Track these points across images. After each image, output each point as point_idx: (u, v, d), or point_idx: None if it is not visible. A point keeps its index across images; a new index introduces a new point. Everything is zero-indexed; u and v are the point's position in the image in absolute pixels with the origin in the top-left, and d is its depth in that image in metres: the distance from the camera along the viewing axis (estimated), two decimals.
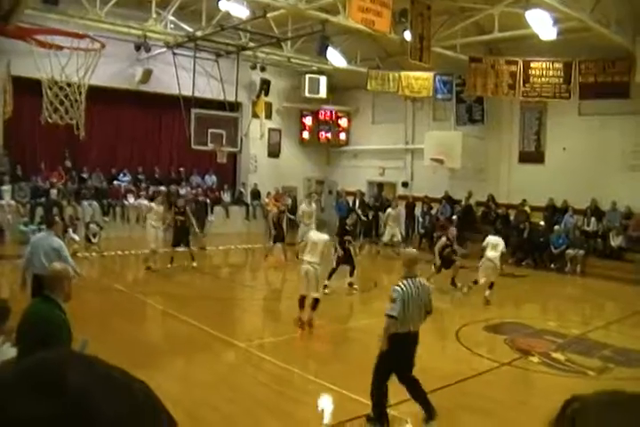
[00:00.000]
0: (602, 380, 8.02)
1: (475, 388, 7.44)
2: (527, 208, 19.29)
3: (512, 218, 19.60)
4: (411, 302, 6.04)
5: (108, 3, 15.82)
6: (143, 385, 0.73)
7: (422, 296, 6.17)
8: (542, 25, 14.98)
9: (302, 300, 10.01)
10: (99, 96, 17.95)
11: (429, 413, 6.14)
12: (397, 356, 6.17)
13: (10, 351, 5.03)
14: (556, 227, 17.94)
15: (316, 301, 9.82)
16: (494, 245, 13.16)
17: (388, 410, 6.23)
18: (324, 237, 10.01)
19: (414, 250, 7.10)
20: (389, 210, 19.02)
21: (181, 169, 23.03)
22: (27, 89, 15.57)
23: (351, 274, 13.37)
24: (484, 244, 13.38)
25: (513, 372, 8.22)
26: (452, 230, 14.41)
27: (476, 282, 13.18)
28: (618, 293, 14.87)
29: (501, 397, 7.22)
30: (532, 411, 6.88)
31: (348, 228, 13.18)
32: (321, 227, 11.38)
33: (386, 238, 18.91)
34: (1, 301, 5.99)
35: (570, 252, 17.50)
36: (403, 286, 6.07)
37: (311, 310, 9.85)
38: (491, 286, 12.84)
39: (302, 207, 18.54)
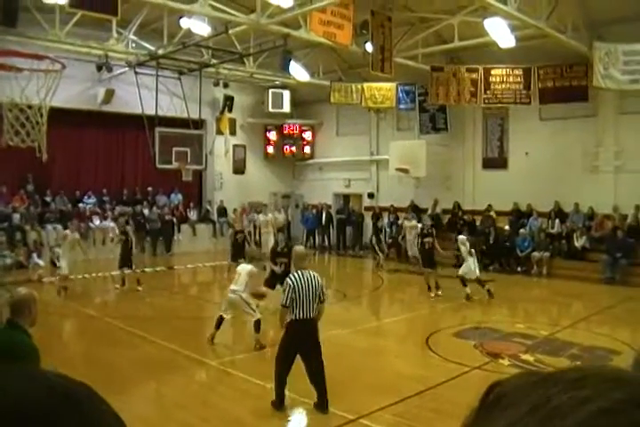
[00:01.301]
0: None
1: (447, 393, 7.43)
2: (493, 213, 19.51)
3: (478, 224, 19.77)
4: (303, 292, 6.69)
5: (68, 23, 15.68)
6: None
7: (315, 286, 6.80)
8: (500, 33, 15.24)
9: (219, 320, 10.07)
10: (61, 118, 17.76)
11: (323, 403, 6.81)
12: (297, 341, 6.81)
13: None
14: (522, 230, 18.17)
15: (257, 322, 9.83)
16: (464, 242, 14.37)
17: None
18: (248, 267, 10.36)
19: (303, 247, 8.28)
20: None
21: (149, 189, 22.85)
22: None
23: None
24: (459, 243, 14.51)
25: (484, 375, 8.21)
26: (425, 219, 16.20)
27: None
28: (583, 292, 15.08)
29: (474, 399, 7.19)
30: None
31: (280, 250, 12.92)
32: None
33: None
34: None
35: (535, 254, 17.74)
36: (294, 277, 6.78)
37: (255, 333, 9.82)
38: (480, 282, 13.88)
39: (260, 217, 19.49)
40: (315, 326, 6.94)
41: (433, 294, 14.16)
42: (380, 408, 6.81)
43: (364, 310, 14.06)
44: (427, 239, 14.59)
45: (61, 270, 13.92)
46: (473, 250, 14.23)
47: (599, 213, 17.64)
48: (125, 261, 14.71)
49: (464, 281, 13.81)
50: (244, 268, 10.33)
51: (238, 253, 15.53)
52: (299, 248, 7.89)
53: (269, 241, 18.13)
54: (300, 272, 6.90)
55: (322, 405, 6.85)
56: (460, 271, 13.92)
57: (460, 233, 15.89)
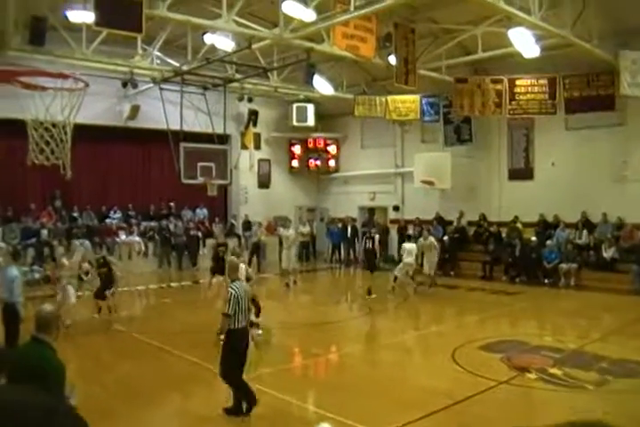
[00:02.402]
0: (600, 393, 7.93)
1: (473, 408, 7.32)
2: (519, 225, 19.33)
3: (504, 235, 19.58)
4: (242, 301, 7.07)
5: (94, 41, 15.89)
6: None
7: (248, 295, 7.33)
8: (525, 43, 15.15)
9: None
10: (88, 134, 17.99)
11: (237, 408, 7.08)
12: (239, 348, 7.09)
13: None
14: (548, 242, 17.95)
15: None
16: (410, 252, 15.97)
17: None
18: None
19: (236, 258, 8.62)
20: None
21: (171, 204, 22.99)
22: (14, 130, 15.54)
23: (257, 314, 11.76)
24: (402, 251, 16.36)
25: (511, 390, 8.08)
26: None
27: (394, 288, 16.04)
28: (613, 304, 14.82)
29: (501, 416, 7.09)
30: None
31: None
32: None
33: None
34: None
35: (563, 266, 17.49)
36: (235, 288, 7.10)
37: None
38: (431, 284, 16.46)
39: (282, 232, 18.86)
40: (248, 333, 7.39)
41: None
42: (405, 423, 6.72)
43: (389, 323, 13.93)
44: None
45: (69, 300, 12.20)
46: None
47: (628, 223, 17.36)
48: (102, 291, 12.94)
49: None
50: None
51: (218, 267, 15.05)
52: (232, 259, 8.42)
53: (289, 257, 17.95)
54: (237, 283, 7.25)
55: (236, 409, 7.13)
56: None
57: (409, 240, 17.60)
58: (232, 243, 18.95)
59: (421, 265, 16.80)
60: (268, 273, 20.64)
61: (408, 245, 16.38)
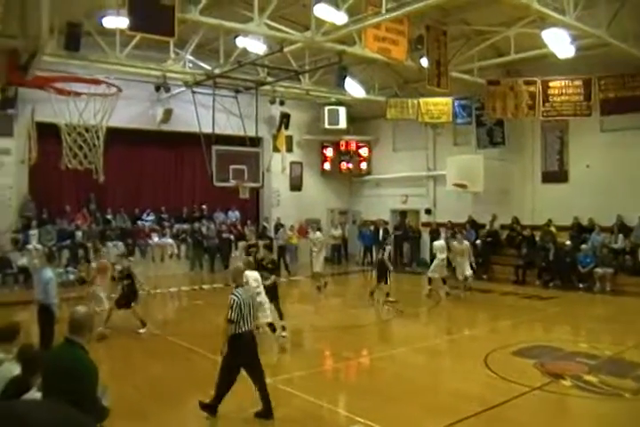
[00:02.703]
0: (637, 401, 7.77)
1: (507, 414, 7.23)
2: (553, 228, 19.07)
3: (538, 239, 19.33)
4: (245, 306, 7.20)
5: (128, 45, 16.08)
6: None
7: (252, 301, 7.46)
8: (559, 43, 14.95)
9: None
10: (121, 137, 18.27)
11: (267, 411, 7.15)
12: (241, 353, 7.17)
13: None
14: (583, 246, 17.68)
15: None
16: (442, 249, 16.58)
17: None
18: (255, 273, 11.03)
19: (241, 264, 9.08)
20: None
21: (204, 206, 23.15)
22: (50, 134, 15.79)
23: (280, 317, 11.85)
24: (434, 249, 16.96)
25: (545, 396, 7.95)
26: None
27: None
28: None
29: (534, 422, 7.00)
30: None
31: (265, 264, 12.42)
32: None
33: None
34: (12, 323, 6.13)
35: (598, 270, 17.19)
36: (237, 293, 7.28)
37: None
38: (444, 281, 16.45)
39: (311, 235, 18.94)
40: (254, 337, 7.41)
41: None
42: None
43: (421, 327, 13.87)
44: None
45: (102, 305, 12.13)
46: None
47: None
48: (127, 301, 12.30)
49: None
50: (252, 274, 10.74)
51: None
52: (237, 265, 8.61)
53: (317, 261, 17.94)
54: (241, 289, 7.47)
55: (266, 412, 7.18)
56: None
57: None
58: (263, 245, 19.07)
59: (454, 270, 16.73)
60: (299, 276, 20.67)
61: (438, 243, 17.10)
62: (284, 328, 11.59)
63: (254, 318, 7.57)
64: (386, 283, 15.66)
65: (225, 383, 7.21)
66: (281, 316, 11.78)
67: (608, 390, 8.08)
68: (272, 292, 11.67)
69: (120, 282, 12.44)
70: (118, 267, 12.60)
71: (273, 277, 11.92)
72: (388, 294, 15.65)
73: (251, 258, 11.92)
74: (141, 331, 12.03)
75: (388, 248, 16.93)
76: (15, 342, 5.67)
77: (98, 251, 13.39)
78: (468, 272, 16.52)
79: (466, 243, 16.90)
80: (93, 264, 12.66)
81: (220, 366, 7.27)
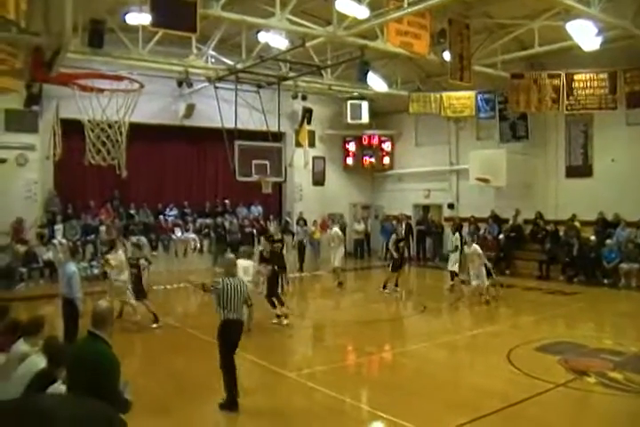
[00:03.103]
0: None
1: (530, 411, 7.19)
2: (577, 223, 18.87)
3: (561, 234, 19.16)
4: (230, 295, 7.42)
5: (150, 42, 16.17)
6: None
7: (241, 291, 7.55)
8: (584, 35, 14.77)
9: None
10: (144, 132, 18.40)
11: (230, 400, 7.32)
12: (227, 338, 7.49)
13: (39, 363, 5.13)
14: (608, 241, 17.48)
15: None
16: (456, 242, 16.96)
17: None
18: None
19: (233, 255, 9.03)
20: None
21: (227, 201, 23.24)
22: (74, 130, 15.94)
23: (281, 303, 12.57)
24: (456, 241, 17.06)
25: (569, 393, 7.89)
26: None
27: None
28: None
29: (558, 419, 6.95)
30: None
31: (264, 254, 13.13)
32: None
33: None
34: (37, 317, 6.37)
35: (623, 266, 16.99)
36: (223, 281, 7.52)
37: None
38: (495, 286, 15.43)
39: (328, 231, 18.91)
40: (240, 327, 7.66)
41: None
42: (459, 425, 6.65)
43: (443, 322, 13.83)
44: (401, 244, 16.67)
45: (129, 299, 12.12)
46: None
47: None
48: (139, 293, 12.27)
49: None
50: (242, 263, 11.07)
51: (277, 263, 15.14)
52: (229, 256, 8.77)
53: (336, 255, 17.72)
54: (229, 278, 7.61)
55: (230, 403, 7.37)
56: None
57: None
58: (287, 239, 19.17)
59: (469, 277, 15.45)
60: (321, 271, 20.69)
61: (454, 237, 17.56)
62: (279, 316, 12.32)
63: (242, 308, 7.70)
64: (393, 271, 16.23)
65: (227, 375, 7.46)
66: (282, 303, 12.56)
67: (634, 388, 7.99)
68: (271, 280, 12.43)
69: (132, 271, 12.28)
70: (142, 262, 12.61)
71: (258, 266, 12.47)
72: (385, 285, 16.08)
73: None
74: (154, 326, 11.98)
75: (393, 237, 16.99)
76: (40, 336, 5.78)
77: (115, 245, 13.19)
78: (475, 282, 14.74)
79: (475, 247, 14.88)
80: (110, 257, 12.52)
81: (220, 356, 7.55)
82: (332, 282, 17.80)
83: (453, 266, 16.79)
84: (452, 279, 16.83)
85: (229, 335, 7.50)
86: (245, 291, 7.70)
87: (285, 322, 12.28)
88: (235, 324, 7.53)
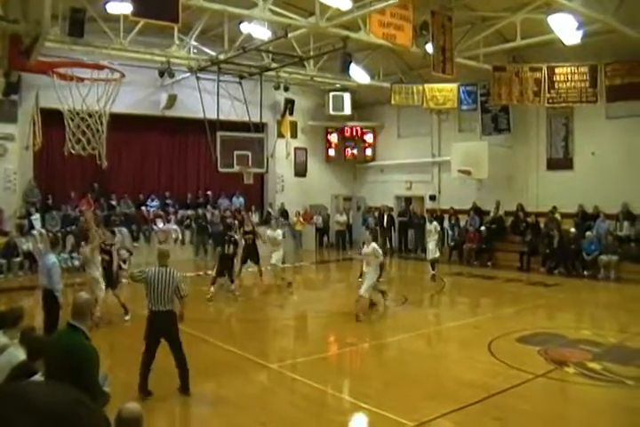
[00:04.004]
0: None
1: (510, 401, 7.25)
2: (557, 215, 19.02)
3: (542, 226, 19.32)
4: (157, 285, 7.33)
5: (132, 31, 16.04)
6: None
7: (168, 282, 7.39)
8: (566, 29, 14.82)
9: None
10: (125, 123, 18.25)
11: (184, 388, 7.46)
12: (154, 330, 7.41)
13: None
14: (588, 233, 17.63)
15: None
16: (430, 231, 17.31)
17: None
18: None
19: (165, 247, 9.11)
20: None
21: (209, 192, 23.17)
22: (54, 120, 15.79)
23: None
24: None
25: (548, 384, 7.98)
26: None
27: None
28: None
29: (537, 409, 7.01)
30: (568, 423, 6.70)
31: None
32: None
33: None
34: (15, 308, 6.32)
35: (603, 258, 17.17)
36: (151, 271, 7.48)
37: None
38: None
39: (267, 233, 16.18)
40: (169, 318, 7.46)
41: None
42: (440, 415, 6.70)
43: (425, 313, 13.90)
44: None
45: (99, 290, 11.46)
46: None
47: None
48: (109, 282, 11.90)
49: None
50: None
51: (248, 254, 15.60)
52: (161, 248, 9.00)
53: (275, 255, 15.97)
54: (157, 268, 7.51)
55: (183, 389, 7.47)
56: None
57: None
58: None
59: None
60: (305, 262, 20.71)
61: (427, 225, 17.80)
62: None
63: (170, 299, 7.46)
64: None
65: (142, 365, 7.42)
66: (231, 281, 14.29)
67: (611, 378, 8.09)
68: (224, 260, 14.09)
69: (102, 257, 11.70)
70: (123, 253, 12.43)
71: None
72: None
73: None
74: (126, 318, 11.63)
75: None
76: (19, 327, 5.73)
77: (90, 236, 12.59)
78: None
79: (373, 245, 12.39)
80: (86, 248, 11.92)
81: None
82: (316, 273, 17.76)
83: (434, 255, 16.85)
84: (433, 269, 16.91)
85: (152, 327, 7.43)
86: (176, 282, 7.47)
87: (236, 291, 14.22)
88: (160, 315, 7.38)
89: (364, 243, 13.06)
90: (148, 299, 7.42)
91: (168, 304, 7.40)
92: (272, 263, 15.49)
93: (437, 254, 17.20)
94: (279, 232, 16.19)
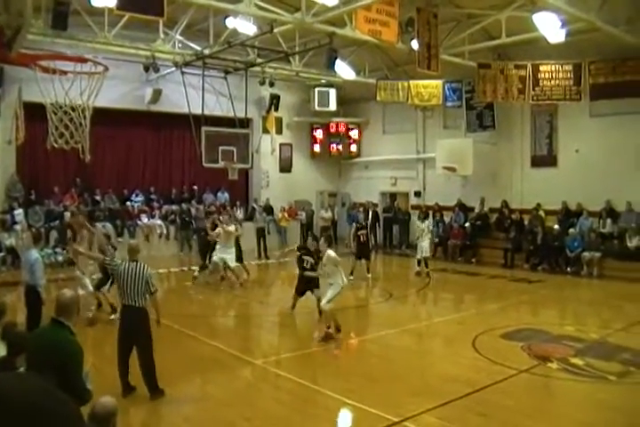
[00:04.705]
0: (623, 384, 7.87)
1: (493, 396, 7.29)
2: (541, 212, 19.14)
3: (526, 223, 19.43)
4: (125, 280, 7.24)
5: (116, 25, 15.93)
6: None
7: (139, 277, 7.26)
8: (550, 27, 14.89)
9: None
10: (109, 118, 18.16)
11: (152, 393, 7.23)
12: (124, 326, 7.35)
13: None
14: (571, 230, 17.75)
15: None
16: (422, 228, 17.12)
17: None
18: None
19: (136, 242, 9.59)
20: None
21: (195, 187, 23.09)
22: (38, 114, 15.64)
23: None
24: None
25: (531, 379, 8.04)
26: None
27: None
28: (636, 294, 14.62)
29: (520, 405, 7.06)
30: (551, 418, 6.74)
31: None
32: None
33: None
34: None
35: (586, 255, 17.29)
36: (122, 266, 7.37)
37: None
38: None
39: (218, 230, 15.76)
40: (140, 315, 7.29)
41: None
42: (424, 411, 6.72)
43: (410, 309, 13.94)
44: (361, 232, 16.49)
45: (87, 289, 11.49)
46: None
47: None
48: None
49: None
50: None
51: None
52: (132, 242, 9.07)
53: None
54: (128, 263, 7.42)
55: (152, 395, 7.23)
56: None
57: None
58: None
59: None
60: (289, 258, 20.66)
61: (419, 223, 17.56)
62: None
63: (142, 295, 7.27)
64: (358, 259, 16.37)
65: (119, 363, 7.35)
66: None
67: (594, 373, 8.16)
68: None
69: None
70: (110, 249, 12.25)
71: None
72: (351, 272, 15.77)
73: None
74: (112, 317, 11.19)
75: (354, 225, 17.34)
76: (1, 323, 5.68)
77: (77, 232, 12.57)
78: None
79: (329, 253, 10.57)
80: (75, 246, 12.00)
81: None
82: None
83: (425, 253, 16.90)
84: (419, 265, 16.97)
85: (123, 321, 7.41)
86: (146, 277, 7.31)
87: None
88: (131, 310, 7.30)
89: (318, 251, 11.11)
90: (119, 293, 7.40)
91: (139, 300, 7.27)
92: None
93: (429, 253, 17.36)
94: (232, 228, 15.63)
